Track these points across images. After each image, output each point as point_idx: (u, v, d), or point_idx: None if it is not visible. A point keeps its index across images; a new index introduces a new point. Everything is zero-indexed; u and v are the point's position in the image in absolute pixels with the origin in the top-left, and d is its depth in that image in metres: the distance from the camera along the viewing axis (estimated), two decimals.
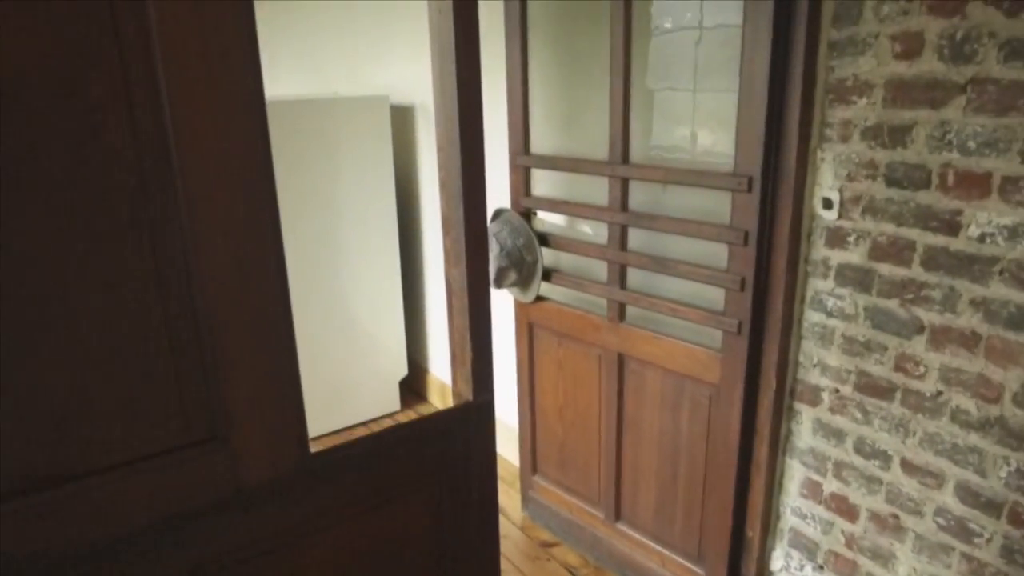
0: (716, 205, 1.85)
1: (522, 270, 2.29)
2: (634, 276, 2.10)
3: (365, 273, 3.31)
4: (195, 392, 0.90)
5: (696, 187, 1.86)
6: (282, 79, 4.72)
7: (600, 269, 2.17)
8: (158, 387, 0.87)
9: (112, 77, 0.77)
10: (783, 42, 1.63)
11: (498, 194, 2.51)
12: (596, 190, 2.11)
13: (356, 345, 3.38)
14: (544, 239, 2.30)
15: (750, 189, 1.73)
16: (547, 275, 2.32)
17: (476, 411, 1.18)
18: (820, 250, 1.76)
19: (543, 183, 2.30)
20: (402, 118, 3.37)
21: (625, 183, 2.01)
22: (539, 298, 2.37)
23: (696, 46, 1.85)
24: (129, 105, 0.79)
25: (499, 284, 2.30)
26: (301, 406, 0.96)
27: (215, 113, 0.84)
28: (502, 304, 2.63)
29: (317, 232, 3.11)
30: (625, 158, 1.99)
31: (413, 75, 3.19)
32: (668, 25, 1.91)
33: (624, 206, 2.03)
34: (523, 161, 2.28)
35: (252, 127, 0.86)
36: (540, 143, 2.27)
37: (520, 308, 2.46)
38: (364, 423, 3.53)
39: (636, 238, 2.06)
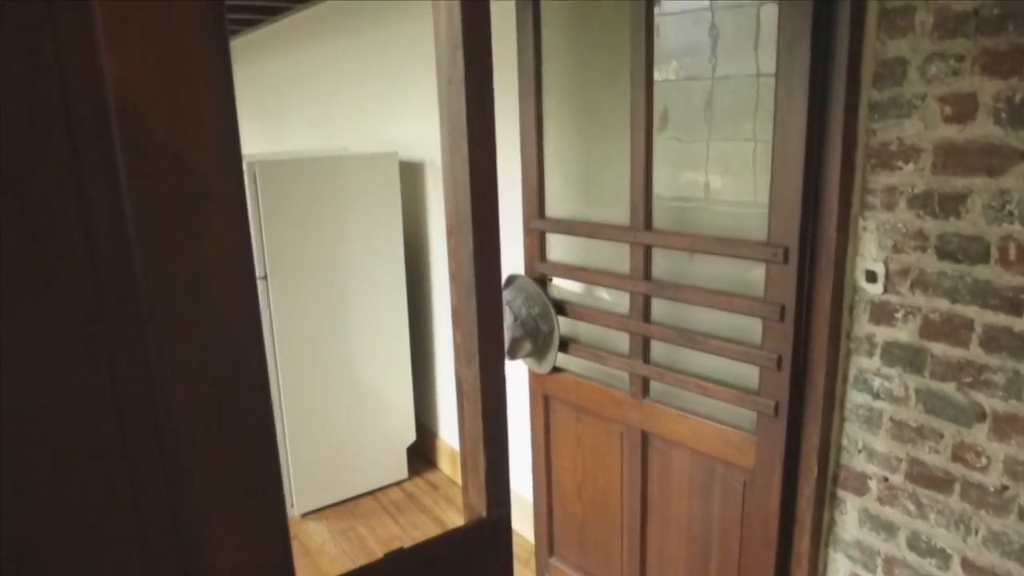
0: (748, 275, 1.71)
1: (537, 340, 2.15)
2: (658, 348, 1.95)
3: (372, 333, 3.18)
4: (160, 542, 0.76)
5: (726, 256, 1.73)
6: (291, 134, 4.67)
7: (621, 340, 2.03)
8: (116, 535, 0.73)
9: (61, 168, 0.65)
10: (819, 102, 1.51)
11: (511, 259, 2.39)
12: (616, 256, 1.98)
13: (362, 409, 3.23)
14: (561, 307, 2.16)
15: (786, 260, 1.60)
16: (564, 345, 2.18)
17: (491, 529, 1.02)
18: (864, 326, 1.61)
19: (559, 247, 2.18)
20: (412, 174, 3.28)
21: (648, 251, 1.88)
22: (556, 369, 2.22)
23: (715, 97, 1.74)
24: (82, 201, 0.67)
25: (513, 355, 2.16)
26: (289, 559, 0.81)
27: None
28: (515, 372, 2.49)
29: (323, 291, 3.00)
30: (648, 223, 1.87)
31: (423, 130, 3.11)
32: (685, 75, 1.80)
33: (647, 275, 1.90)
34: (538, 225, 2.17)
35: (230, 223, 0.74)
36: (556, 206, 2.15)
37: (535, 379, 2.31)
38: (371, 492, 3.35)
39: (660, 308, 1.92)
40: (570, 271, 2.12)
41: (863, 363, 1.63)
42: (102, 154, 0.67)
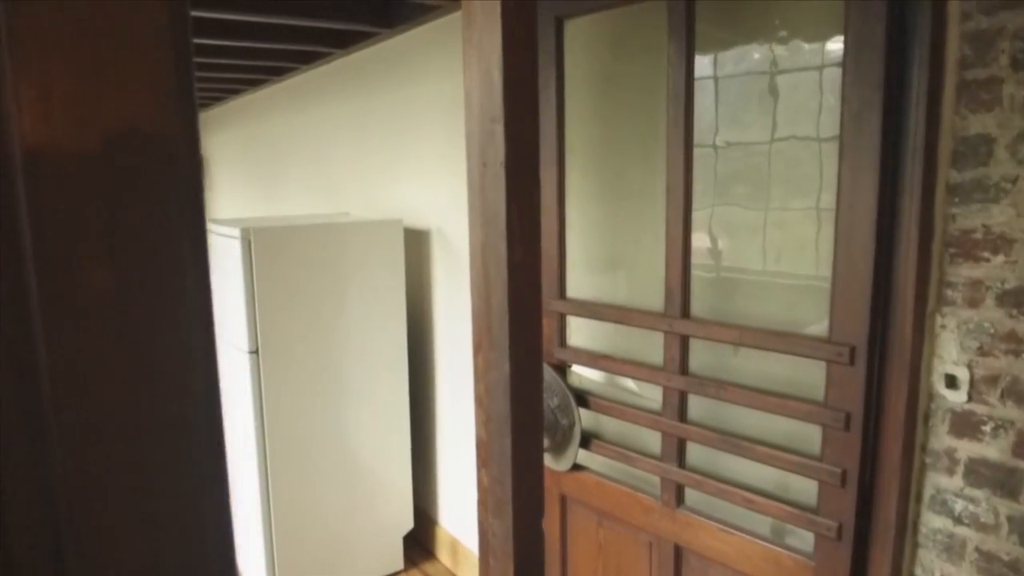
0: (806, 373, 1.49)
1: (556, 435, 1.92)
2: (696, 449, 1.72)
3: (370, 412, 2.94)
4: None
5: (781, 353, 1.51)
6: (292, 197, 4.52)
7: (652, 438, 1.80)
8: None
9: None
10: (890, 180, 1.33)
11: None
12: (648, 343, 1.77)
13: (356, 494, 2.96)
14: (582, 398, 1.94)
15: (852, 361, 1.38)
16: (585, 441, 1.95)
17: None
18: (942, 438, 1.39)
19: (582, 331, 1.97)
20: (417, 243, 3.09)
21: (685, 341, 1.67)
22: (576, 466, 1.98)
23: (766, 164, 1.56)
24: None
25: None
26: None
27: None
28: None
29: (318, 366, 2.77)
30: (685, 310, 1.66)
31: (429, 196, 2.94)
32: (728, 141, 1.62)
33: (683, 368, 1.68)
34: (558, 307, 1.96)
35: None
36: (578, 286, 1.95)
37: (551, 476, 2.07)
38: None
39: (699, 404, 1.70)
40: (594, 359, 1.90)
41: (941, 481, 1.40)
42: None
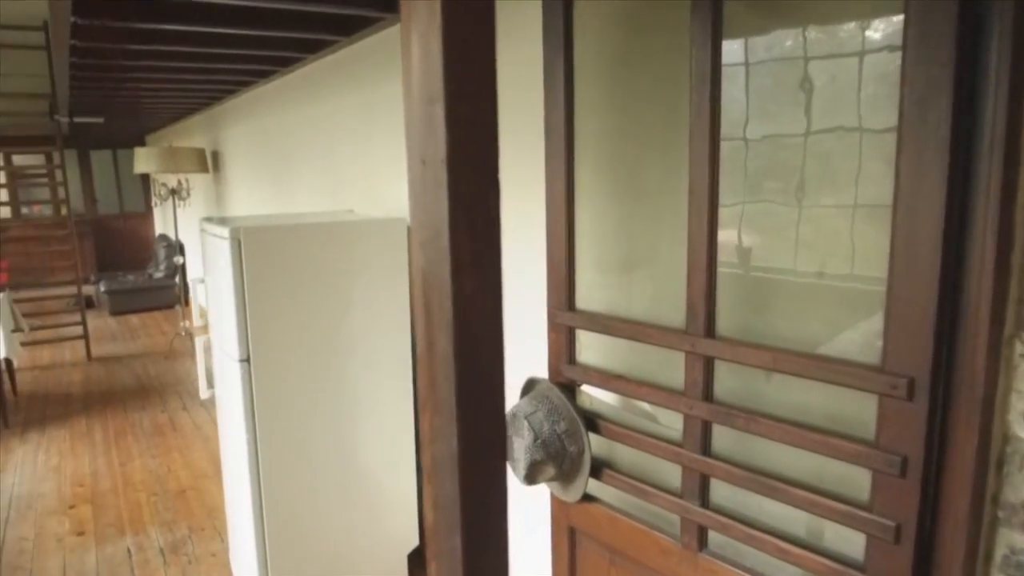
0: (852, 407, 1.27)
1: (563, 463, 1.71)
2: (722, 486, 1.50)
3: (372, 422, 2.75)
4: None
5: (822, 382, 1.28)
6: (302, 194, 4.36)
7: (671, 471, 1.58)
8: None
9: None
10: (960, 179, 1.10)
11: (532, 358, 1.97)
12: (667, 364, 1.56)
13: (357, 510, 2.78)
14: (592, 422, 1.73)
15: (910, 396, 1.16)
16: (596, 470, 1.74)
17: None
18: (1020, 489, 1.16)
19: (593, 348, 1.76)
20: None
21: (709, 364, 1.45)
22: (586, 496, 1.77)
23: (802, 158, 1.33)
24: None
25: (531, 481, 1.72)
26: None
27: None
28: (537, 491, 2.04)
29: (315, 375, 2.60)
30: (710, 328, 1.44)
31: None
32: (761, 134, 1.40)
33: (707, 395, 1.46)
34: (566, 319, 1.75)
35: None
36: (589, 296, 1.74)
37: (559, 507, 1.86)
38: None
39: (725, 435, 1.48)
40: (606, 380, 1.68)
41: (1017, 540, 1.17)
42: None
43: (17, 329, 5.62)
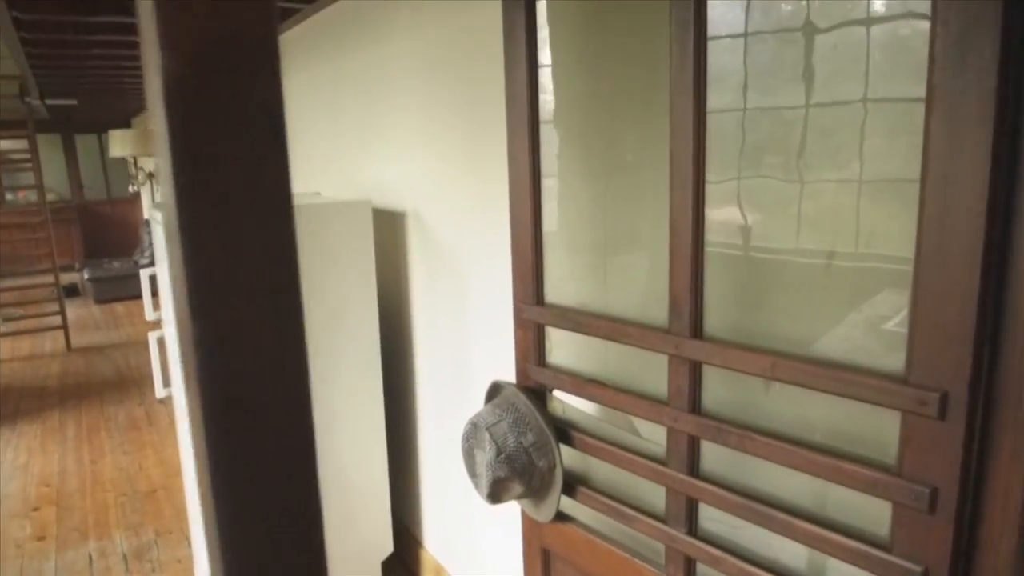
0: (869, 425, 1.04)
1: (532, 480, 1.49)
2: (711, 512, 1.28)
3: (338, 418, 2.54)
4: None
5: (833, 395, 1.06)
6: None
7: (654, 492, 1.36)
8: None
9: None
10: (1006, 147, 0.86)
11: (497, 359, 1.74)
12: (649, 367, 1.33)
13: (327, 516, 2.56)
14: (565, 433, 1.51)
15: (942, 414, 0.93)
16: (570, 486, 1.52)
17: None
18: None
19: (565, 348, 1.53)
20: (391, 227, 2.67)
21: (696, 369, 1.22)
22: (561, 515, 1.56)
23: (796, 130, 1.10)
24: None
25: (496, 499, 1.50)
26: None
27: None
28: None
29: None
30: (696, 328, 1.21)
31: (403, 176, 2.51)
32: (753, 105, 1.16)
33: (694, 405, 1.24)
34: (533, 315, 1.52)
35: None
36: (560, 289, 1.51)
37: (530, 525, 1.65)
38: None
39: (716, 454, 1.25)
40: (579, 385, 1.46)
41: None
42: None
43: None
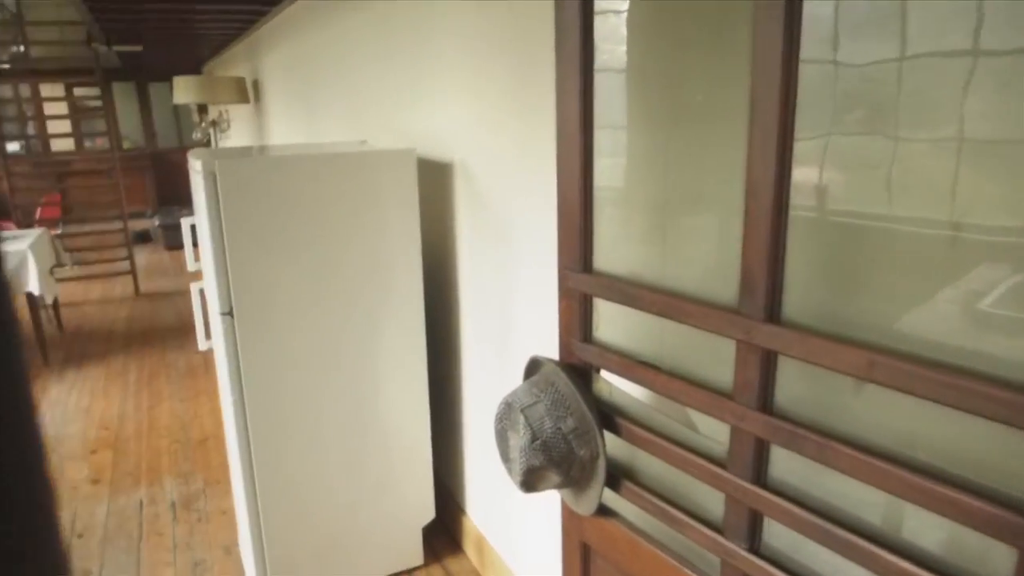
0: (997, 446, 0.82)
1: (570, 469, 1.31)
2: (779, 528, 1.08)
3: (378, 380, 2.42)
4: None
5: (945, 406, 0.83)
6: (326, 121, 3.99)
7: (711, 497, 1.17)
8: None
9: None
10: None
11: (543, 328, 1.56)
12: (712, 351, 1.13)
13: (364, 481, 2.48)
14: (610, 419, 1.32)
15: None
16: (614, 478, 1.34)
17: None
18: None
19: (615, 322, 1.33)
20: (438, 178, 2.49)
21: (769, 359, 1.01)
22: (602, 508, 1.38)
23: (894, 85, 0.85)
24: None
25: (530, 488, 1.34)
26: None
27: None
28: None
29: (309, 329, 2.26)
30: (773, 311, 0.99)
31: (451, 123, 2.32)
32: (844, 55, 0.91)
33: (765, 403, 1.03)
34: (580, 284, 1.32)
35: None
36: (611, 254, 1.30)
37: (569, 515, 1.48)
38: None
39: (787, 461, 1.05)
40: (628, 367, 1.26)
41: None
42: None
43: (59, 264, 5.55)
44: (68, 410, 4.21)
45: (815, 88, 0.94)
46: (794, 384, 1.01)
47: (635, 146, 1.25)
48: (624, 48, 1.23)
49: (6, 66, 7.78)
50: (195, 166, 2.19)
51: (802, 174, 0.98)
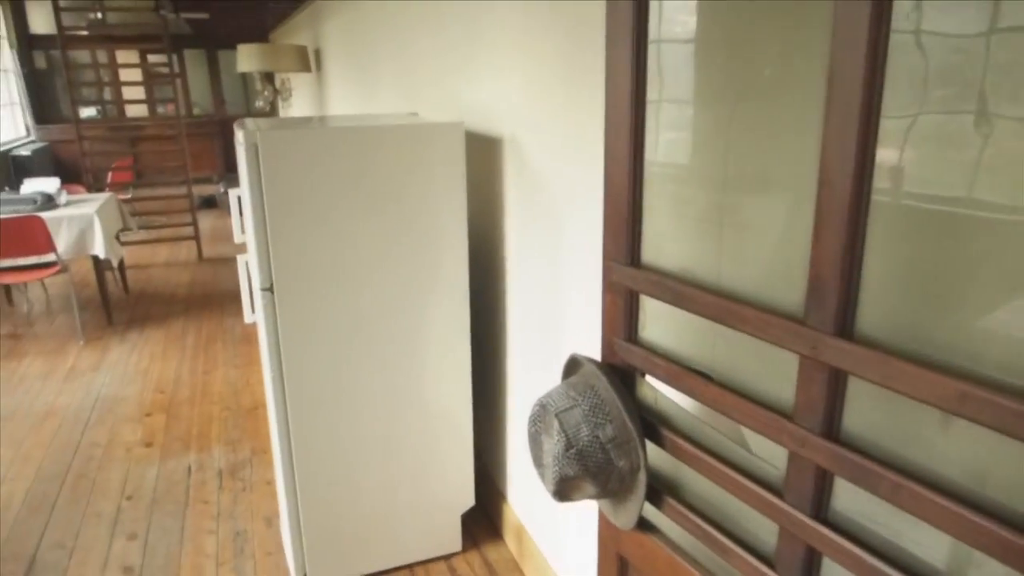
0: None
1: (609, 481, 1.20)
2: (840, 571, 0.94)
3: (419, 362, 2.35)
4: None
5: None
6: (382, 91, 3.91)
7: (763, 524, 1.04)
8: None
9: None
10: None
11: (582, 328, 1.44)
12: (770, 362, 0.99)
13: (402, 464, 2.43)
14: (653, 428, 1.20)
15: None
16: (655, 494, 1.22)
17: None
18: None
19: (663, 322, 1.20)
20: (486, 153, 2.38)
21: (838, 379, 0.87)
22: (642, 521, 1.27)
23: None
24: None
25: (563, 497, 1.23)
26: None
27: None
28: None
29: (351, 306, 2.20)
30: (846, 324, 0.85)
31: (501, 96, 2.19)
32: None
33: (831, 428, 0.89)
34: (625, 278, 1.20)
35: None
36: (660, 247, 1.17)
37: (607, 526, 1.37)
38: (408, 566, 2.57)
39: (853, 495, 0.91)
40: (676, 374, 1.13)
41: None
42: None
43: (126, 228, 5.69)
44: (128, 371, 4.31)
45: (903, 60, 0.79)
46: (867, 409, 0.87)
47: (693, 125, 1.11)
48: (683, 17, 1.08)
49: (84, 32, 7.98)
50: (238, 137, 2.13)
51: (886, 159, 0.83)
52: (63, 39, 5.98)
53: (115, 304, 5.49)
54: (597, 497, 1.26)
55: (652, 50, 1.08)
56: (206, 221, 8.41)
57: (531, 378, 2.26)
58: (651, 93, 1.10)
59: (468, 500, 2.59)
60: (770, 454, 1.01)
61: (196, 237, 6.86)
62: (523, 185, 2.09)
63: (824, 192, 0.86)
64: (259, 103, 7.42)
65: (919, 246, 0.82)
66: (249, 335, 4.87)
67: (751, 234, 1.02)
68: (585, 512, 1.90)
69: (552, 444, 1.20)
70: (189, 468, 3.24)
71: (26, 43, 9.11)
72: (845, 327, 0.85)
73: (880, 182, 0.82)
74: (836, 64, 0.82)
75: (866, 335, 0.84)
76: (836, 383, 0.87)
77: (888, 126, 0.81)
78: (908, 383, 0.78)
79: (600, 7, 1.37)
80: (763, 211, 1.00)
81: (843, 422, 0.88)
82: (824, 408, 0.88)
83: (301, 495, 2.31)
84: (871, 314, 0.84)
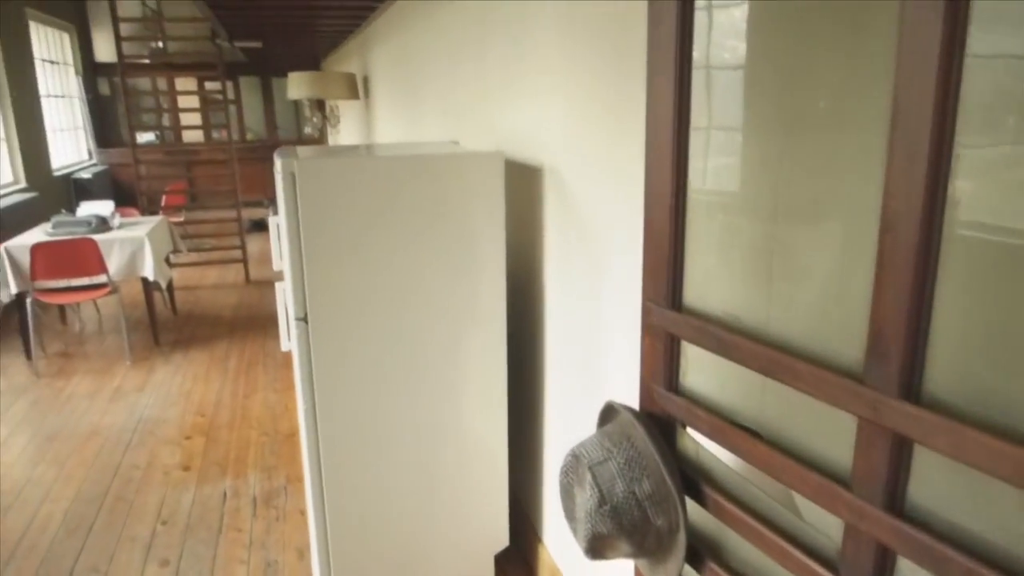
0: None
1: (645, 541, 1.12)
2: None
3: (454, 397, 2.29)
4: None
5: None
6: (426, 118, 3.92)
7: None
8: None
9: None
10: None
11: (619, 372, 1.37)
12: (826, 421, 0.90)
13: (437, 503, 2.36)
14: (694, 483, 1.11)
15: None
16: (696, 554, 1.13)
17: None
18: None
19: (707, 370, 1.12)
20: (526, 184, 2.33)
21: (903, 447, 0.78)
22: None
23: None
24: None
25: (597, 555, 1.15)
26: None
27: None
28: None
29: (385, 338, 2.16)
30: (911, 384, 0.76)
31: (541, 125, 2.14)
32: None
33: (894, 501, 0.79)
34: (666, 322, 1.12)
35: None
36: (704, 289, 1.09)
37: None
38: None
39: (917, 574, 0.81)
40: (720, 428, 1.05)
41: None
42: None
43: (176, 250, 5.80)
44: (171, 393, 4.36)
45: (978, 89, 0.71)
46: (937, 480, 0.77)
47: (741, 160, 1.04)
48: (732, 43, 1.01)
49: (145, 60, 8.28)
50: (277, 166, 2.13)
51: (958, 200, 0.74)
52: (123, 67, 6.19)
53: (163, 325, 5.59)
54: (633, 556, 1.17)
55: (699, 76, 1.01)
56: (255, 244, 8.56)
57: (570, 415, 2.18)
58: (699, 120, 1.03)
59: (502, 540, 2.50)
60: (824, 523, 0.91)
61: (244, 260, 6.97)
62: (563, 216, 2.03)
63: (886, 237, 0.77)
64: (308, 129, 7.56)
65: (996, 298, 0.73)
66: (289, 360, 4.89)
67: (804, 279, 0.94)
68: (627, 562, 1.80)
69: (585, 498, 1.12)
70: (224, 494, 3.22)
71: (91, 70, 9.49)
72: (911, 388, 0.76)
73: (951, 226, 0.74)
74: (900, 95, 0.74)
75: (934, 398, 0.75)
76: (900, 451, 0.78)
77: (961, 162, 0.72)
78: (982, 455, 0.68)
79: (644, 34, 1.32)
80: (817, 254, 0.92)
81: (908, 493, 0.78)
82: (886, 477, 0.79)
83: (331, 529, 2.26)
84: (940, 374, 0.75)
